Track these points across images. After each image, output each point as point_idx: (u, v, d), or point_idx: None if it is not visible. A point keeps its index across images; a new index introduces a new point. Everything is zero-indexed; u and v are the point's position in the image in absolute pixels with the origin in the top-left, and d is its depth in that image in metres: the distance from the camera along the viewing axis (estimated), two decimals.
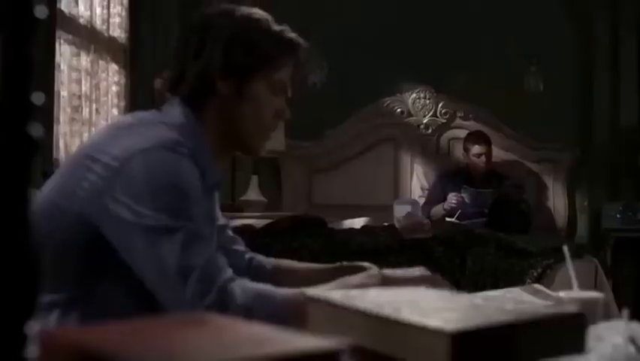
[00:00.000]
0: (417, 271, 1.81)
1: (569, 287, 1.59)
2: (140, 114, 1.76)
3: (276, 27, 1.84)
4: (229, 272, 1.62)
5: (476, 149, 5.81)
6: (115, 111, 5.65)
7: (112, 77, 5.64)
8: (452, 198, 5.63)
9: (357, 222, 4.80)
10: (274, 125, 1.90)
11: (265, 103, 1.84)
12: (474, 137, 5.90)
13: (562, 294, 1.51)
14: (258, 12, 1.85)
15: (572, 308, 1.06)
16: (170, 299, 1.56)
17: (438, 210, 5.73)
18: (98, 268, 1.62)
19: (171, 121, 1.71)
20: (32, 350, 0.65)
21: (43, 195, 1.67)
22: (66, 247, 1.61)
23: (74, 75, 5.02)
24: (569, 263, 1.66)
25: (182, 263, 1.55)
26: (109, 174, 1.58)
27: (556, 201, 6.40)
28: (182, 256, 1.55)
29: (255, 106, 1.82)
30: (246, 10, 1.84)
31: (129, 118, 1.74)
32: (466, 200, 5.64)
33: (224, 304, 1.55)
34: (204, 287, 1.56)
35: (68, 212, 1.60)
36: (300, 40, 1.88)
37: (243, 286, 1.60)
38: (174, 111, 1.75)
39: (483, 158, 5.81)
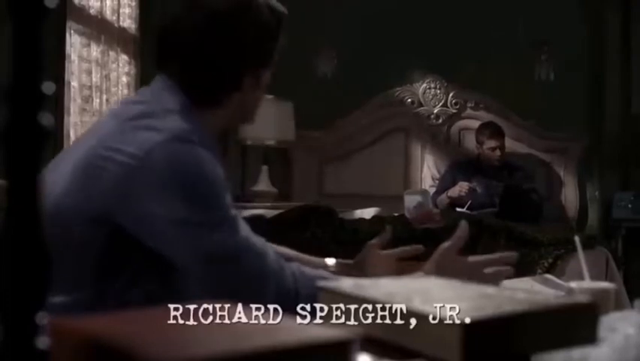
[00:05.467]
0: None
1: (580, 278, 1.59)
2: (146, 99, 1.71)
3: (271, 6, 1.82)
4: (273, 254, 1.62)
5: (491, 143, 5.77)
6: None
7: (122, 68, 5.64)
8: (463, 187, 5.61)
9: (368, 213, 4.80)
10: None
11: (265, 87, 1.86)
12: (489, 130, 5.84)
13: (573, 284, 1.51)
14: None
15: (583, 298, 1.06)
16: (225, 290, 1.51)
17: (444, 198, 5.72)
18: (114, 268, 1.59)
19: (174, 108, 1.66)
20: (43, 340, 0.65)
21: (50, 199, 1.56)
22: (81, 250, 1.57)
23: (85, 66, 5.03)
24: (581, 253, 1.65)
25: (230, 254, 1.55)
26: (128, 171, 1.53)
27: (567, 190, 6.38)
28: (229, 246, 1.55)
29: (262, 92, 1.84)
30: None
31: (136, 107, 1.68)
32: (478, 190, 5.62)
33: (277, 287, 1.57)
34: (257, 269, 1.57)
35: (84, 213, 1.56)
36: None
37: (291, 268, 1.63)
38: (170, 97, 1.70)
39: (498, 151, 5.77)
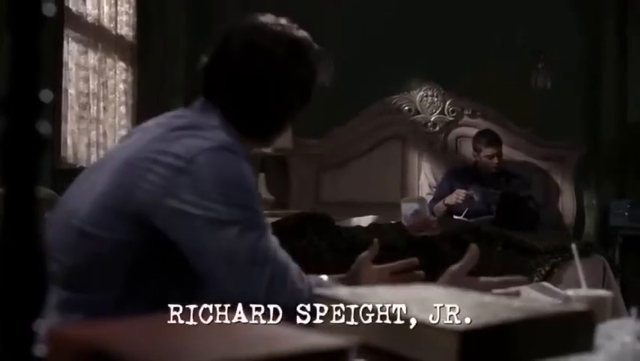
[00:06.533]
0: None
1: (577, 286, 1.59)
2: (188, 115, 1.77)
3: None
4: (295, 265, 1.66)
5: (488, 151, 5.76)
6: (122, 109, 5.66)
7: (119, 75, 5.64)
8: (460, 195, 5.60)
9: (365, 220, 4.79)
10: None
11: None
12: (486, 138, 5.83)
13: (570, 292, 1.51)
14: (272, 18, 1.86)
15: (580, 306, 1.06)
16: (245, 292, 1.58)
17: (440, 205, 5.72)
18: (146, 272, 1.64)
19: (218, 125, 1.74)
20: (40, 348, 0.65)
21: (88, 201, 1.65)
22: (120, 249, 1.62)
23: (82, 73, 5.03)
24: (577, 261, 1.65)
25: (257, 257, 1.60)
26: (173, 173, 1.59)
27: (564, 198, 6.38)
28: (257, 249, 1.60)
29: None
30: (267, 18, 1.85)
31: (181, 120, 1.74)
32: (475, 197, 5.62)
33: (295, 298, 1.59)
34: (279, 279, 1.60)
35: (125, 215, 1.61)
36: None
37: (310, 283, 1.65)
38: (212, 116, 1.76)
39: (495, 159, 5.77)
